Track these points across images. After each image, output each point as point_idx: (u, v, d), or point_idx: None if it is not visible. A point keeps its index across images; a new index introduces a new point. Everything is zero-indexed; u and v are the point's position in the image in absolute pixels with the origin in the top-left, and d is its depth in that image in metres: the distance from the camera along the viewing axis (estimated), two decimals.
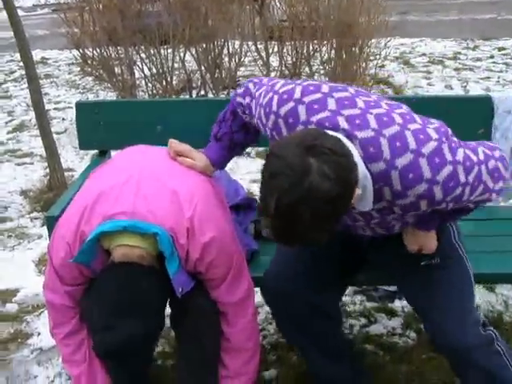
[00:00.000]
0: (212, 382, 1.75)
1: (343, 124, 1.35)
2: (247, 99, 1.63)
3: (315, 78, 5.54)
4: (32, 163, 4.35)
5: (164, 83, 5.18)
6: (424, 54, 7.70)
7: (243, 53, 5.43)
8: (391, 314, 2.42)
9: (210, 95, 5.38)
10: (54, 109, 5.81)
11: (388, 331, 2.32)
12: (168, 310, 1.70)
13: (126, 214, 1.50)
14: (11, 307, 2.56)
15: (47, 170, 3.82)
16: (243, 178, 3.48)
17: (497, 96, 2.30)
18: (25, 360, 2.24)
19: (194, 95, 5.38)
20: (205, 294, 1.66)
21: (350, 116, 1.36)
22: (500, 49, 7.91)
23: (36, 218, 3.42)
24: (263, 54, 5.42)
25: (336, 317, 1.83)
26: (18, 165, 4.34)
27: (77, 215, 1.55)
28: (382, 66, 6.45)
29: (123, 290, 1.46)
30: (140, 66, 5.22)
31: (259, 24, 5.43)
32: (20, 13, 3.71)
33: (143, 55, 5.16)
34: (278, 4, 5.55)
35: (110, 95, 5.83)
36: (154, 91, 5.25)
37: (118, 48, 5.24)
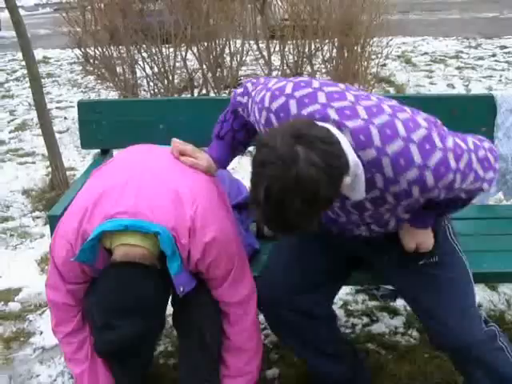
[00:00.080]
0: (214, 381, 1.75)
1: (333, 115, 1.37)
2: (245, 98, 1.65)
3: (317, 76, 5.53)
4: (34, 162, 4.36)
5: (166, 82, 5.18)
6: (426, 53, 7.69)
7: (245, 52, 5.42)
8: (393, 312, 2.42)
9: (212, 94, 5.37)
10: (56, 108, 5.82)
11: (390, 330, 2.32)
12: (170, 309, 1.70)
13: (128, 214, 1.50)
14: (14, 306, 2.57)
15: (49, 169, 3.83)
16: (245, 177, 3.48)
17: (499, 95, 2.30)
18: (27, 359, 2.24)
19: (195, 94, 5.37)
20: (207, 293, 1.66)
21: (340, 108, 1.38)
22: (502, 47, 7.91)
23: (38, 217, 3.43)
24: (265, 52, 5.42)
25: (328, 317, 1.82)
26: (20, 164, 4.35)
27: (79, 214, 1.55)
28: (384, 65, 6.45)
29: (124, 289, 1.46)
30: (142, 65, 5.22)
31: (261, 23, 5.43)
32: (22, 12, 3.71)
33: (145, 54, 5.16)
34: (279, 3, 5.54)
35: (112, 94, 5.84)
36: (156, 90, 5.25)
37: (120, 47, 5.24)
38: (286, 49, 5.33)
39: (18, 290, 2.68)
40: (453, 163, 1.35)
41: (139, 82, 5.59)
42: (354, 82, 5.04)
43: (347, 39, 5.16)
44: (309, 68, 5.44)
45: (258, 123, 1.52)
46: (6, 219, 3.43)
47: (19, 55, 6.60)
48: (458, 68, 6.77)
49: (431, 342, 1.70)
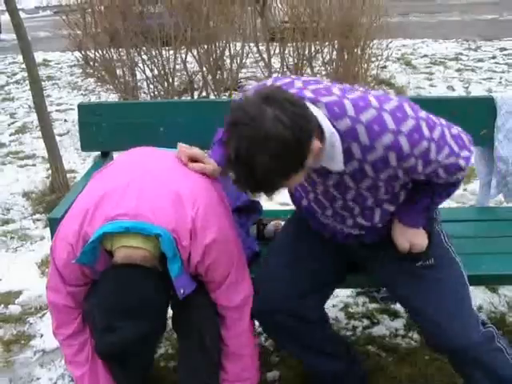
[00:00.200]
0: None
1: (309, 94, 1.43)
2: None
3: None
4: (34, 165, 4.36)
5: (166, 85, 5.19)
6: (426, 55, 7.70)
7: (245, 54, 5.43)
8: (394, 315, 2.41)
9: (212, 96, 5.38)
10: (56, 110, 5.83)
11: (391, 332, 2.31)
12: (170, 312, 1.70)
13: (129, 216, 1.50)
14: (14, 309, 2.56)
15: (49, 172, 3.82)
16: None
17: (499, 97, 2.30)
18: (28, 362, 2.24)
19: (195, 96, 5.38)
20: (206, 295, 1.66)
21: (316, 89, 1.45)
22: (502, 49, 7.91)
23: (38, 220, 3.43)
24: (265, 55, 5.43)
25: (322, 318, 1.83)
26: (21, 167, 4.35)
27: (79, 216, 1.55)
28: (384, 67, 6.45)
29: (125, 290, 1.46)
30: (142, 67, 5.23)
31: (261, 25, 5.44)
32: (22, 15, 3.71)
33: (145, 57, 5.17)
34: (279, 5, 5.55)
35: (112, 97, 5.85)
36: (156, 93, 5.26)
37: (120, 50, 5.25)
38: (286, 51, 5.34)
39: (19, 293, 2.68)
40: (426, 132, 1.41)
41: (139, 84, 5.60)
42: (354, 84, 5.04)
43: (347, 41, 5.16)
44: (309, 70, 5.45)
45: None
46: (6, 222, 3.43)
47: (19, 58, 6.61)
48: (458, 70, 6.78)
49: (427, 344, 1.70)
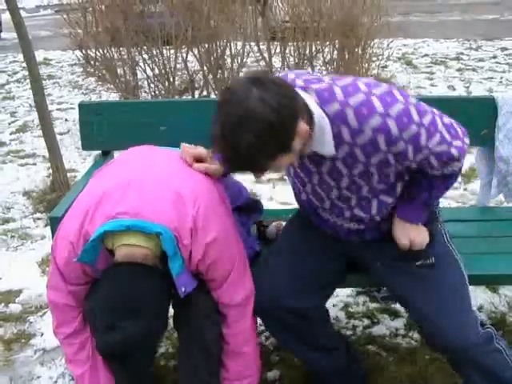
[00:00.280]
0: (214, 382, 1.74)
1: (300, 83, 1.47)
2: None
3: None
4: (35, 164, 4.36)
5: (166, 84, 5.19)
6: (427, 55, 7.70)
7: (245, 53, 5.43)
8: (394, 314, 2.41)
9: (213, 96, 5.38)
10: (57, 109, 5.83)
11: (391, 332, 2.31)
12: (171, 311, 1.70)
13: (130, 214, 1.50)
14: (14, 308, 2.56)
15: (50, 171, 3.83)
16: (246, 178, 3.48)
17: (500, 96, 2.30)
18: (28, 360, 2.24)
19: (196, 96, 5.38)
20: (207, 295, 1.66)
21: (307, 79, 1.49)
22: (503, 49, 7.91)
23: (39, 219, 3.43)
24: (265, 54, 5.43)
25: (323, 316, 1.84)
26: (21, 165, 4.35)
27: (80, 215, 1.56)
28: (385, 67, 6.45)
29: (126, 289, 1.46)
30: (142, 66, 5.23)
31: (261, 25, 5.44)
32: (23, 14, 3.71)
33: (146, 56, 5.17)
34: (280, 5, 5.55)
35: (113, 96, 5.85)
36: (157, 92, 5.26)
37: (121, 49, 5.25)
38: (287, 50, 5.35)
39: (19, 292, 2.68)
40: (415, 116, 1.42)
41: (140, 83, 5.60)
42: None
43: (348, 41, 5.17)
44: (309, 70, 5.45)
45: None
46: (6, 221, 3.44)
47: (20, 57, 6.61)
48: (459, 70, 6.78)
49: (427, 344, 1.70)
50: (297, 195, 1.79)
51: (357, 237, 1.71)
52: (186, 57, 5.21)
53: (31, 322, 2.47)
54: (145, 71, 5.23)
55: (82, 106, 2.40)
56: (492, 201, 2.58)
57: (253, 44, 5.47)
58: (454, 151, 1.49)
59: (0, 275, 2.84)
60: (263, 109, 1.27)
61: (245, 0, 5.30)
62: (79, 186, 2.10)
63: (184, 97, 5.39)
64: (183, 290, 1.54)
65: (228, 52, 5.38)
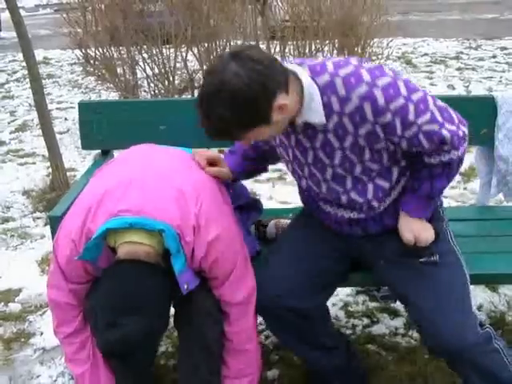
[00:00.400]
0: (214, 381, 1.74)
1: (296, 61, 1.57)
2: None
3: None
4: (34, 163, 4.36)
5: (166, 83, 5.18)
6: (426, 54, 7.70)
7: None
8: (394, 314, 2.42)
9: None
10: (57, 109, 5.83)
11: (391, 331, 2.31)
12: (172, 310, 1.70)
13: (132, 212, 1.50)
14: (14, 307, 2.56)
15: (49, 170, 3.83)
16: None
17: (500, 96, 2.29)
18: (28, 360, 2.24)
19: (196, 95, 5.36)
20: (208, 293, 1.66)
21: (305, 59, 1.58)
22: (502, 48, 7.91)
23: (38, 218, 3.43)
24: None
25: (323, 315, 1.84)
26: (21, 165, 4.35)
27: (82, 213, 1.56)
28: None
29: (128, 286, 1.46)
30: (142, 65, 5.22)
31: (261, 24, 5.44)
32: (22, 13, 3.71)
33: (145, 55, 5.16)
34: (280, 4, 5.55)
35: (113, 95, 5.84)
36: (156, 91, 5.26)
37: (121, 48, 5.25)
38: (287, 50, 5.34)
39: (19, 291, 2.68)
40: (403, 90, 1.45)
41: (140, 82, 5.59)
42: None
43: (348, 40, 5.16)
44: None
45: None
46: (6, 220, 3.44)
47: (20, 56, 6.60)
48: (459, 69, 6.78)
49: (425, 344, 1.70)
50: (300, 189, 1.81)
51: (359, 229, 1.71)
52: (186, 56, 5.20)
53: (31, 321, 2.47)
54: (144, 70, 5.22)
55: (81, 105, 2.40)
56: (491, 200, 2.58)
57: (252, 43, 5.46)
58: (445, 132, 1.50)
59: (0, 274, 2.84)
60: (236, 82, 1.36)
61: None
62: (79, 185, 2.10)
63: (184, 96, 5.38)
64: (186, 287, 1.54)
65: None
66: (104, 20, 5.20)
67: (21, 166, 4.31)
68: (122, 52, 5.25)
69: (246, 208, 1.99)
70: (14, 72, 7.91)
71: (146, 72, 5.22)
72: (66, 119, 5.44)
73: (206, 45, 5.19)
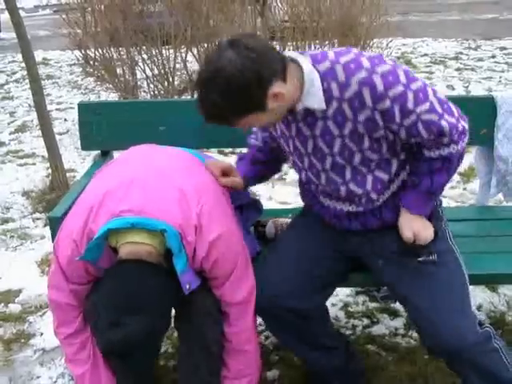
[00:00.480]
0: (214, 382, 1.74)
1: (299, 51, 1.58)
2: None
3: None
4: (34, 164, 4.36)
5: (166, 84, 5.18)
6: (426, 54, 7.70)
7: None
8: (394, 314, 2.42)
9: None
10: (56, 109, 5.82)
11: (390, 331, 2.32)
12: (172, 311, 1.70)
13: (134, 212, 1.50)
14: (14, 308, 2.56)
15: (49, 171, 3.82)
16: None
17: (499, 96, 2.30)
18: (27, 360, 2.24)
19: (195, 96, 5.37)
20: (208, 293, 1.66)
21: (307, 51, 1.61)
22: (502, 48, 7.92)
23: (38, 219, 3.43)
24: None
25: (323, 315, 1.84)
26: (20, 165, 4.34)
27: (84, 213, 1.55)
28: None
29: (131, 286, 1.46)
30: (142, 66, 5.22)
31: (261, 24, 5.44)
32: (22, 13, 3.71)
33: (145, 56, 5.16)
34: (279, 4, 5.55)
35: (112, 96, 5.84)
36: (156, 92, 5.26)
37: (120, 49, 5.25)
38: (286, 50, 5.34)
39: (18, 292, 2.68)
40: (403, 78, 1.47)
41: (139, 83, 5.59)
42: None
43: (347, 40, 5.16)
44: None
45: None
46: (6, 221, 3.43)
47: (19, 57, 6.61)
48: (458, 69, 6.78)
49: (424, 344, 1.69)
50: (300, 183, 1.82)
51: (358, 224, 1.71)
52: (186, 56, 5.20)
53: (31, 322, 2.47)
54: (144, 71, 5.22)
55: (81, 105, 2.40)
56: (491, 200, 2.58)
57: None
58: (444, 124, 1.51)
59: None
60: (230, 70, 1.39)
61: (244, 0, 5.29)
62: (79, 186, 2.10)
63: (183, 97, 5.38)
64: (188, 287, 1.54)
65: None
66: (103, 21, 5.20)
67: (20, 167, 4.30)
68: (122, 53, 5.25)
69: (246, 208, 1.99)
70: (14, 73, 7.91)
71: (145, 73, 5.22)
72: (65, 120, 5.44)
73: (206, 45, 5.20)
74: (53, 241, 1.81)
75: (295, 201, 3.22)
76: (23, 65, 3.98)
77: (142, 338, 1.43)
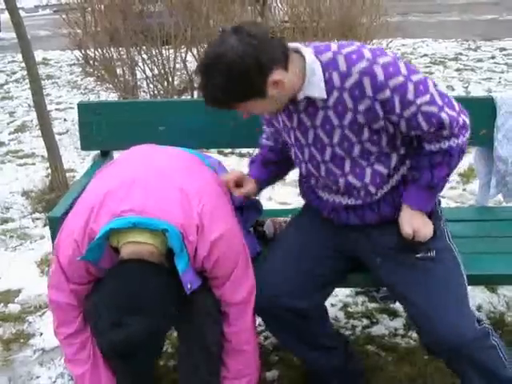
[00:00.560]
0: (214, 382, 1.74)
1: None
2: None
3: None
4: (34, 164, 4.36)
5: (165, 84, 5.18)
6: (425, 55, 7.70)
7: None
8: (393, 314, 2.42)
9: None
10: (56, 109, 5.82)
11: (390, 332, 2.32)
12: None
13: (135, 212, 1.50)
14: (13, 308, 2.56)
15: (49, 171, 3.82)
16: None
17: (499, 96, 2.30)
18: (27, 360, 2.24)
19: (195, 96, 5.37)
20: (209, 293, 1.66)
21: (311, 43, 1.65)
22: (501, 49, 7.91)
23: (38, 219, 3.43)
24: None
25: (322, 315, 1.84)
26: (20, 165, 4.34)
27: (85, 213, 1.55)
28: None
29: (133, 286, 1.45)
30: (142, 66, 5.22)
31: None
32: (22, 13, 3.71)
33: (145, 56, 5.16)
34: (279, 5, 5.55)
35: (112, 96, 5.84)
36: (156, 92, 5.26)
37: (120, 49, 5.25)
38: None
39: (18, 292, 2.68)
40: (403, 70, 1.49)
41: (139, 83, 5.59)
42: None
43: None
44: None
45: None
46: (5, 221, 3.43)
47: (19, 57, 6.61)
48: (458, 70, 6.78)
49: (422, 342, 1.69)
50: (300, 178, 1.83)
51: (356, 218, 1.71)
52: (185, 57, 5.20)
53: (30, 322, 2.46)
54: (144, 71, 5.22)
55: (80, 105, 2.40)
56: (491, 201, 2.58)
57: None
58: (444, 116, 1.52)
59: None
60: (230, 55, 1.43)
61: (244, 0, 5.29)
62: (78, 186, 2.10)
63: (183, 97, 5.38)
64: (189, 286, 1.54)
65: None
66: (103, 21, 5.20)
67: (20, 167, 4.30)
68: (122, 53, 5.25)
69: (247, 209, 1.99)
70: (14, 73, 7.90)
71: (145, 73, 5.22)
72: (65, 120, 5.44)
73: (206, 45, 5.19)
74: (52, 241, 1.81)
75: (295, 201, 3.22)
76: (23, 65, 3.99)
77: (145, 338, 1.43)
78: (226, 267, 1.61)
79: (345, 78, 1.50)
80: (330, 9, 5.24)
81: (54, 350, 2.26)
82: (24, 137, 5.04)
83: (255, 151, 1.98)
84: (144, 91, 5.57)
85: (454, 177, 3.60)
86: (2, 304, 2.60)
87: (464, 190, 3.56)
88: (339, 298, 2.52)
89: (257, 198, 2.04)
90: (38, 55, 7.91)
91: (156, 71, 5.16)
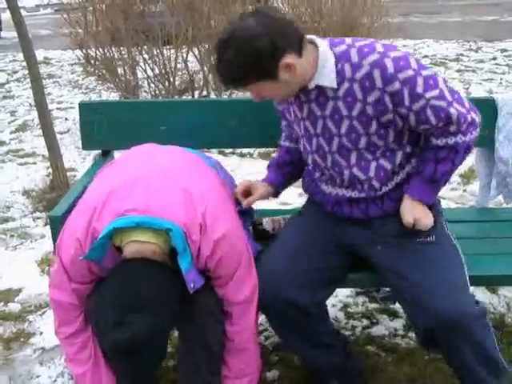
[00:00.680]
0: (215, 381, 1.74)
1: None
2: None
3: None
4: (34, 163, 4.36)
5: (166, 84, 5.19)
6: (426, 56, 7.70)
7: None
8: (393, 315, 2.42)
9: (213, 96, 5.38)
10: (57, 109, 5.83)
11: (390, 332, 2.32)
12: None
13: (138, 211, 1.50)
14: (14, 307, 2.56)
15: (50, 170, 3.83)
16: (244, 178, 3.47)
17: (500, 98, 2.30)
18: (27, 359, 2.24)
19: (196, 96, 5.38)
20: (211, 292, 1.66)
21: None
22: (503, 50, 7.91)
23: (38, 218, 3.43)
24: None
25: (322, 313, 1.84)
26: (21, 165, 4.35)
27: (88, 212, 1.55)
28: None
29: (137, 285, 1.45)
30: (143, 66, 5.23)
31: None
32: (23, 13, 3.71)
33: (146, 56, 5.17)
34: (280, 5, 5.55)
35: (113, 95, 5.85)
36: (157, 92, 5.26)
37: (121, 48, 5.25)
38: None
39: (18, 291, 2.68)
40: (414, 65, 1.53)
41: (140, 83, 5.60)
42: None
43: None
44: None
45: None
46: (6, 220, 3.44)
47: (20, 56, 6.60)
48: (459, 71, 6.78)
49: (409, 319, 1.69)
50: (304, 173, 1.85)
51: (359, 211, 1.73)
52: (187, 57, 5.21)
53: (30, 321, 2.47)
54: (145, 71, 5.23)
55: (82, 105, 2.40)
56: (491, 202, 2.58)
57: None
58: (453, 111, 1.54)
59: None
60: (245, 34, 1.48)
61: (245, 0, 5.30)
62: (79, 186, 2.10)
63: (184, 97, 5.39)
64: (192, 285, 1.54)
65: None
66: (105, 20, 5.21)
67: (21, 166, 4.31)
68: (123, 52, 5.26)
69: (242, 213, 1.99)
70: (15, 72, 7.91)
71: (146, 72, 5.23)
72: (66, 119, 5.44)
73: (207, 45, 5.20)
74: (53, 240, 1.81)
75: (295, 201, 3.22)
76: (24, 64, 3.99)
77: (149, 336, 1.43)
78: (228, 267, 1.61)
79: (356, 69, 1.54)
80: (331, 9, 5.25)
81: (54, 349, 2.26)
82: (25, 136, 5.04)
83: (256, 151, 1.99)
84: (145, 91, 5.57)
85: (454, 178, 3.60)
86: (3, 303, 2.60)
87: (464, 191, 3.56)
88: (339, 299, 2.52)
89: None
90: (39, 54, 7.90)
91: (157, 71, 5.17)
